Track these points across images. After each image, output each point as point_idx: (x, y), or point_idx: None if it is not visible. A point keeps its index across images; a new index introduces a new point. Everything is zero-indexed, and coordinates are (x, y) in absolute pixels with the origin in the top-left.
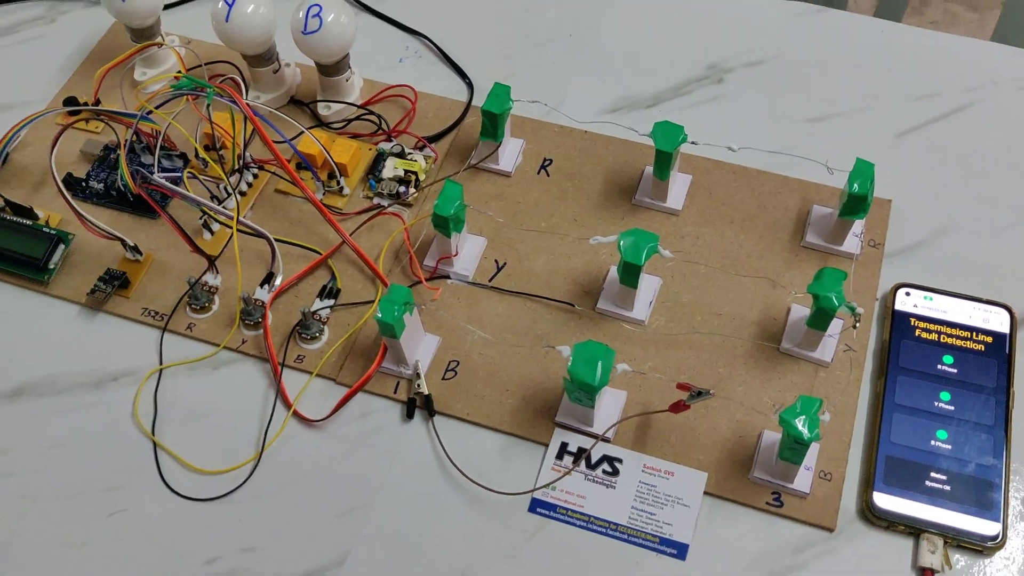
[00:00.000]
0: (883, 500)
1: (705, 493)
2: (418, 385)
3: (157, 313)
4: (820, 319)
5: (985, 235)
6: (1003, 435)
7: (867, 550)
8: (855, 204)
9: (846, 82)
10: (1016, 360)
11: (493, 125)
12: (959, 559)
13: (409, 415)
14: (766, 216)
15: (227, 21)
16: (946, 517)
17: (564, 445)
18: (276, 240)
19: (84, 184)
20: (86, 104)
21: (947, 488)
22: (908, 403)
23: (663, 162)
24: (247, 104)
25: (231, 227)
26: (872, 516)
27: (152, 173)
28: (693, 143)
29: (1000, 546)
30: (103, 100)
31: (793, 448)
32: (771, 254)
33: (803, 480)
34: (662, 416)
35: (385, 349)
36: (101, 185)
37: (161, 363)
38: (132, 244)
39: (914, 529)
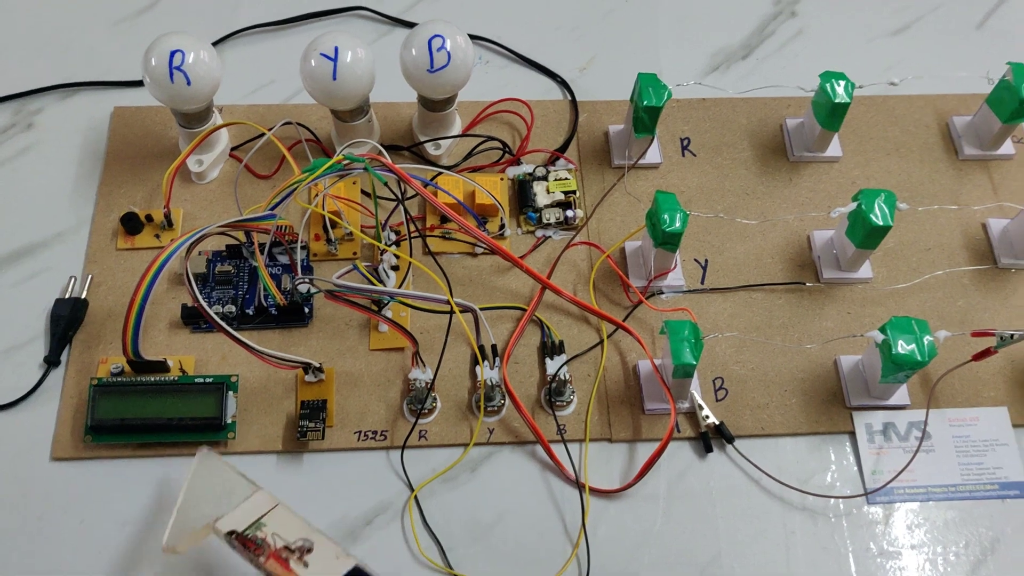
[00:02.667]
0: None
1: (1013, 426)
2: (705, 416)
3: (375, 432)
4: None
5: None
6: None
7: None
8: None
9: None
10: None
11: (652, 119)
12: None
13: (708, 448)
14: (913, 139)
15: (335, 79)
16: None
17: (869, 426)
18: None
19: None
20: (149, 218)
21: None
22: None
23: (839, 113)
24: (401, 167)
25: (432, 311)
26: None
27: (291, 275)
28: (860, 87)
29: None
30: (144, 201)
31: None
32: (937, 175)
33: None
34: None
35: (669, 391)
36: (231, 307)
37: (412, 486)
38: (317, 364)
39: None
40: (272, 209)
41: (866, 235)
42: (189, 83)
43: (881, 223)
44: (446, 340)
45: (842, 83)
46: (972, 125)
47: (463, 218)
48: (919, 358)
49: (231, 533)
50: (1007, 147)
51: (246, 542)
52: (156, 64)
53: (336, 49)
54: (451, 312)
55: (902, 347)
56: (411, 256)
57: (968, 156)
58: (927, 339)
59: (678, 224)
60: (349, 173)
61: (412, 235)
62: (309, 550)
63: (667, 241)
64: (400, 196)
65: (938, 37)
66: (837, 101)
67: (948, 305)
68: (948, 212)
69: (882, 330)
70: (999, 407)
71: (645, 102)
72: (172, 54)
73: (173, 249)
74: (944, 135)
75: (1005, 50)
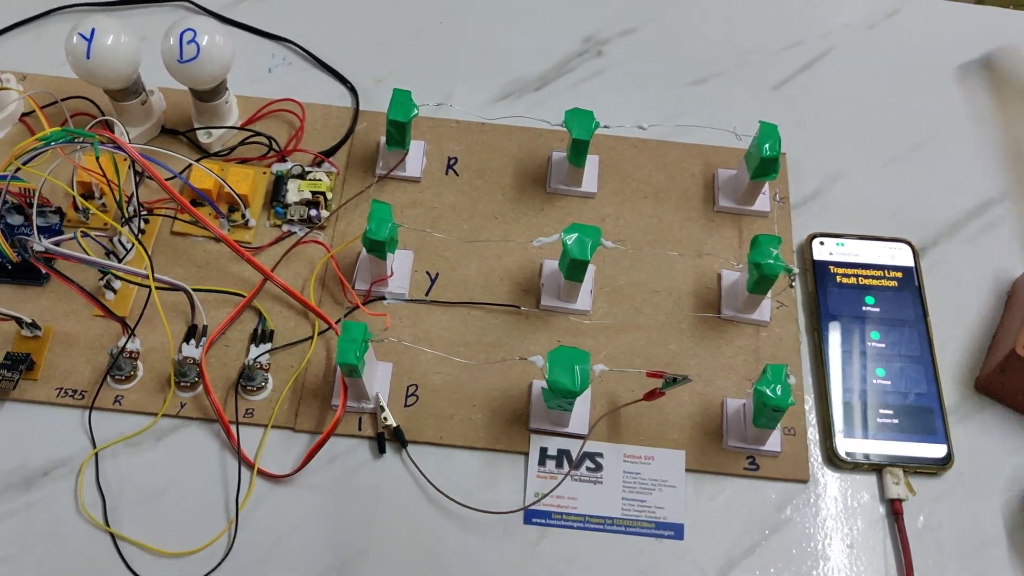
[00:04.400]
0: (845, 444)
1: (687, 470)
2: (384, 418)
3: (75, 391)
4: (762, 285)
5: (872, 173)
6: (930, 362)
7: (839, 492)
8: (767, 166)
9: (717, 41)
10: (926, 289)
11: (400, 134)
12: (919, 484)
13: (381, 450)
14: (676, 186)
15: (88, 58)
16: (901, 448)
17: (544, 450)
18: (193, 289)
19: None
20: None
21: (896, 421)
22: (845, 348)
23: (580, 149)
24: (133, 146)
25: (140, 284)
26: (838, 461)
27: (28, 235)
28: (606, 127)
29: (949, 466)
30: None
31: (771, 415)
32: (689, 223)
33: (773, 440)
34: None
35: (345, 387)
36: None
37: (95, 445)
38: (29, 320)
39: (876, 465)
40: (14, 172)
41: (568, 267)
42: None
43: (579, 256)
44: (141, 314)
45: (585, 122)
46: (732, 179)
47: (199, 205)
48: (568, 387)
49: None
50: (762, 203)
51: None
52: None
53: (93, 31)
54: (149, 288)
55: (557, 375)
56: (155, 234)
57: (722, 208)
58: (579, 369)
59: (381, 235)
60: (84, 147)
61: (146, 213)
62: None
63: (373, 248)
64: (137, 175)
65: (730, 93)
66: (575, 137)
67: (659, 347)
68: (690, 259)
69: (547, 357)
70: (679, 450)
71: (391, 116)
72: None
73: None
74: (708, 185)
75: (797, 112)
